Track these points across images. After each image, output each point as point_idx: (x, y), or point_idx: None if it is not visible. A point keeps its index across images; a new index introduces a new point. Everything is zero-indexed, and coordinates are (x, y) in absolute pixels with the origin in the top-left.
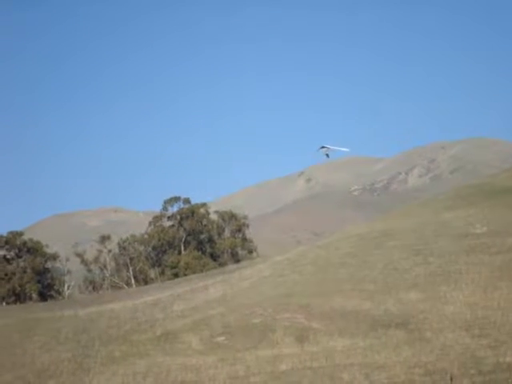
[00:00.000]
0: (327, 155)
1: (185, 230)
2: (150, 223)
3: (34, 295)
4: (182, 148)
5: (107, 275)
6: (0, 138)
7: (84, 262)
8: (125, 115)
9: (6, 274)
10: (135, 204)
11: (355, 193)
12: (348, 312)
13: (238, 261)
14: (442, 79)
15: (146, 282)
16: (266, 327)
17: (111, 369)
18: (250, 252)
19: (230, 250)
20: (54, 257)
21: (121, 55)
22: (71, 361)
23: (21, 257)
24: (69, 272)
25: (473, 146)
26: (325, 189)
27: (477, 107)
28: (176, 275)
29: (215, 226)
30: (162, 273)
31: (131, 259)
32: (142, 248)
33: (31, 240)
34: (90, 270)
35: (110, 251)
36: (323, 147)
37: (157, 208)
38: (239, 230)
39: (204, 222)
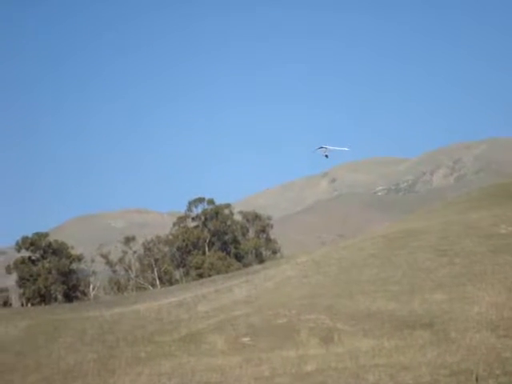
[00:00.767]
0: (326, 156)
1: (209, 230)
2: (174, 224)
3: (60, 296)
4: (206, 149)
5: (132, 276)
6: (27, 140)
7: (109, 263)
8: (150, 117)
9: (31, 276)
10: (159, 205)
11: (380, 193)
12: (373, 313)
13: (262, 261)
14: (466, 79)
15: (170, 283)
16: (291, 328)
17: (136, 370)
18: (275, 252)
19: (254, 251)
20: (79, 258)
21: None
22: (96, 362)
23: (46, 258)
24: (94, 273)
25: (497, 145)
26: (349, 189)
27: (501, 107)
28: (200, 276)
29: (239, 226)
30: (187, 273)
31: (156, 260)
32: (166, 249)
33: (56, 241)
34: (114, 271)
35: (134, 252)
36: (321, 147)
37: (181, 209)
38: (263, 231)
39: (228, 223)
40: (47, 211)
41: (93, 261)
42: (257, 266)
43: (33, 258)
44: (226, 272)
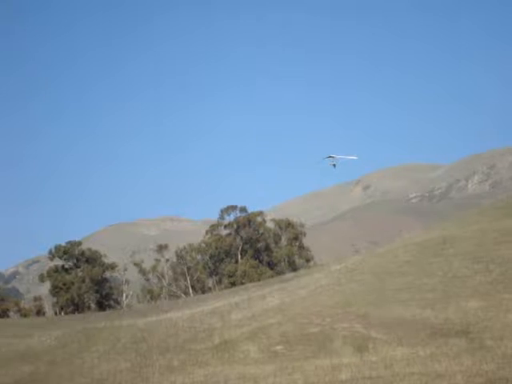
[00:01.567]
0: (334, 165)
1: (241, 238)
2: (206, 232)
3: (93, 305)
4: (238, 157)
5: (165, 284)
6: (63, 150)
7: (142, 271)
8: (184, 126)
9: (64, 284)
10: (192, 213)
11: (413, 200)
12: (407, 321)
13: (295, 269)
14: (501, 87)
15: (203, 291)
16: (325, 336)
17: (169, 378)
18: (307, 260)
19: (286, 259)
20: (112, 266)
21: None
22: (130, 370)
23: (79, 267)
24: (127, 281)
25: None
26: (382, 196)
27: None
28: (233, 284)
29: (272, 234)
30: (220, 281)
31: (188, 268)
32: (199, 257)
33: (89, 250)
34: (147, 280)
35: (167, 260)
36: (330, 157)
37: (213, 217)
38: (296, 238)
39: (261, 231)
40: (80, 220)
41: (126, 269)
42: (289, 274)
43: (66, 266)
44: (259, 280)
